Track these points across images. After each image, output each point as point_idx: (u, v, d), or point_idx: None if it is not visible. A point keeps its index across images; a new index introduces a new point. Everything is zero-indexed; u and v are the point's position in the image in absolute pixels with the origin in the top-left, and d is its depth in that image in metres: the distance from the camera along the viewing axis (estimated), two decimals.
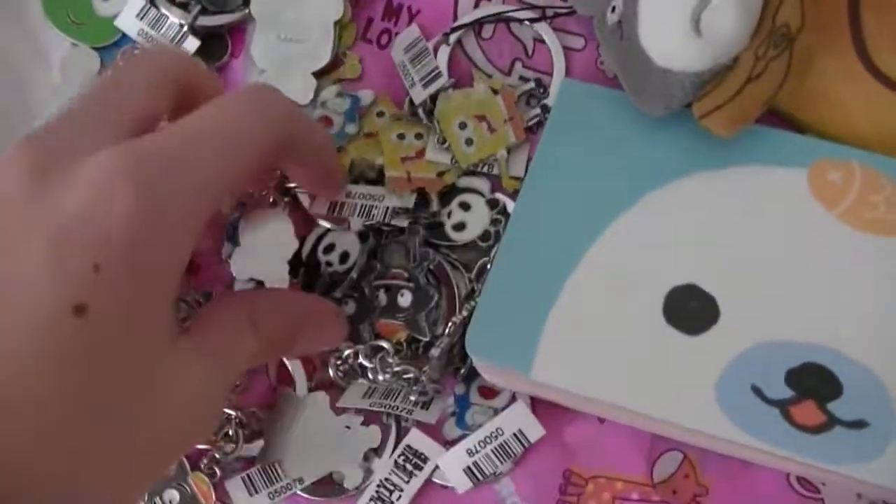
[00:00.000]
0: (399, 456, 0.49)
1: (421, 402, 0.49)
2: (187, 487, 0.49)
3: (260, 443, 0.50)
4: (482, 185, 0.52)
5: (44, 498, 0.30)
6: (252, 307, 0.39)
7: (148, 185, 0.32)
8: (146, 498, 0.49)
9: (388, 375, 0.49)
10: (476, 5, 0.54)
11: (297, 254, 0.51)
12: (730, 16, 0.45)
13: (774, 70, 0.47)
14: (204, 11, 0.55)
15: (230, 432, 0.49)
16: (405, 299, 0.51)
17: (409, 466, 0.49)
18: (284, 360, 0.50)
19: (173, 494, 0.49)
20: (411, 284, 0.51)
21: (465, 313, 0.49)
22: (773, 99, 0.47)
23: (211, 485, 0.49)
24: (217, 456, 0.49)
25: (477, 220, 0.52)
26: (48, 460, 0.30)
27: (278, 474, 0.49)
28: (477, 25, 0.53)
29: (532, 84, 0.52)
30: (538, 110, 0.52)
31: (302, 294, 0.48)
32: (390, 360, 0.50)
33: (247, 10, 0.55)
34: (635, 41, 0.46)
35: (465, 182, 0.52)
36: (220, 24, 0.55)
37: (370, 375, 0.50)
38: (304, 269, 0.51)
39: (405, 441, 0.49)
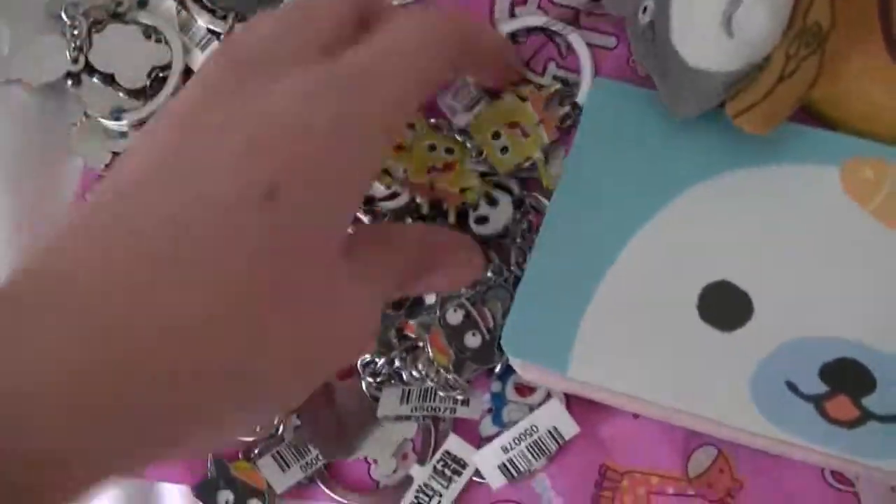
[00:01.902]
0: (438, 461, 0.50)
1: (461, 400, 0.50)
2: (237, 481, 0.50)
3: (294, 420, 0.51)
4: (513, 183, 0.53)
5: (221, 368, 0.30)
6: (387, 233, 0.40)
7: (348, 97, 0.33)
8: None
9: (421, 371, 0.50)
10: (511, 11, 0.54)
11: None
12: (761, 15, 0.45)
13: (806, 69, 0.47)
14: (240, 19, 0.55)
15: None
16: (430, 297, 0.51)
17: (447, 472, 0.50)
18: None
19: (227, 495, 0.50)
20: None
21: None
22: (805, 97, 0.48)
23: (255, 465, 0.50)
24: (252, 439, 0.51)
25: (500, 216, 0.52)
26: (227, 330, 0.30)
27: (308, 448, 0.50)
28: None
29: (559, 85, 0.53)
30: (568, 109, 0.52)
31: (431, 227, 0.48)
32: (419, 355, 0.51)
33: None
34: (667, 42, 0.47)
35: (497, 178, 0.53)
36: None
37: (404, 377, 0.51)
38: None
39: (444, 447, 0.50)
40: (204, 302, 0.30)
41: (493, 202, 0.52)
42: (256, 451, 0.50)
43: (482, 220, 0.52)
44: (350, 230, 0.37)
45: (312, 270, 0.32)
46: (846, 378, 0.45)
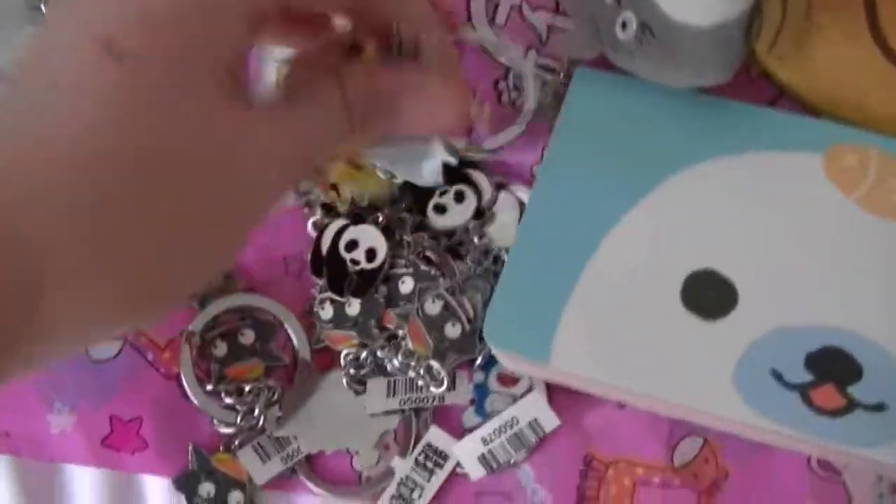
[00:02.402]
0: (420, 454, 0.49)
1: (446, 386, 0.50)
2: (217, 473, 0.49)
3: (275, 412, 0.50)
4: (484, 184, 0.52)
5: (95, 229, 0.30)
6: (339, 71, 0.38)
7: None
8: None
9: (401, 358, 0.50)
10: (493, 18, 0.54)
11: (318, 251, 0.51)
12: None
13: None
14: None
15: (255, 407, 0.50)
16: (406, 286, 0.51)
17: (429, 464, 0.49)
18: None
19: (208, 487, 0.49)
20: (410, 270, 0.51)
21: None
22: (810, 6, 0.48)
23: (236, 456, 0.50)
24: (233, 430, 0.50)
25: (458, 214, 0.52)
26: (94, 177, 0.30)
27: (287, 439, 0.50)
28: (491, 13, 0.54)
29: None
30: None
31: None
32: (402, 344, 0.50)
33: None
34: (671, 25, 0.46)
35: (473, 174, 0.52)
36: None
37: (387, 367, 0.50)
38: (328, 268, 0.51)
39: (425, 439, 0.50)
40: (71, 164, 0.30)
41: (460, 198, 0.52)
42: (237, 443, 0.50)
43: (440, 208, 0.52)
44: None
45: (181, 128, 0.32)
46: (832, 366, 0.45)
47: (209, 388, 0.50)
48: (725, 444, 0.49)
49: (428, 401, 0.50)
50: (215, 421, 0.50)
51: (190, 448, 0.50)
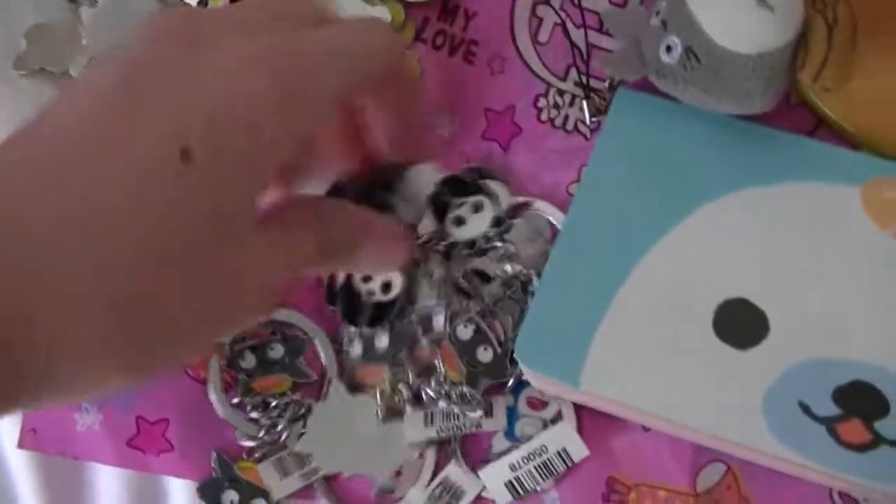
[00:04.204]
0: (436, 487, 0.49)
1: (483, 412, 0.49)
2: (240, 481, 0.49)
3: (299, 428, 0.50)
4: (501, 192, 0.52)
5: (149, 321, 0.31)
6: (318, 208, 0.39)
7: (282, 76, 0.34)
8: None
9: (442, 394, 0.50)
10: (533, 10, 0.53)
11: (332, 281, 0.51)
12: None
13: (842, 11, 0.48)
14: None
15: (279, 422, 0.50)
16: (439, 322, 0.51)
17: (441, 503, 0.49)
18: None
19: (231, 495, 0.50)
20: (444, 302, 0.51)
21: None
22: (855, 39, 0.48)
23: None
24: (255, 444, 0.50)
25: (477, 225, 0.51)
26: (154, 281, 0.31)
27: (308, 458, 0.50)
28: (534, 29, 0.53)
29: None
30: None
31: (366, 209, 0.44)
32: (435, 370, 0.50)
33: None
34: (716, 51, 0.46)
35: (490, 184, 0.52)
36: None
37: (424, 399, 0.50)
38: (342, 298, 0.51)
39: (443, 473, 0.49)
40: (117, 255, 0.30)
41: (477, 209, 0.52)
42: (257, 455, 0.50)
43: (459, 221, 0.51)
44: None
45: (221, 238, 0.33)
46: (859, 401, 0.45)
47: (235, 400, 0.50)
48: (748, 472, 0.49)
49: (465, 427, 0.49)
50: (238, 433, 0.50)
51: (213, 456, 0.50)
